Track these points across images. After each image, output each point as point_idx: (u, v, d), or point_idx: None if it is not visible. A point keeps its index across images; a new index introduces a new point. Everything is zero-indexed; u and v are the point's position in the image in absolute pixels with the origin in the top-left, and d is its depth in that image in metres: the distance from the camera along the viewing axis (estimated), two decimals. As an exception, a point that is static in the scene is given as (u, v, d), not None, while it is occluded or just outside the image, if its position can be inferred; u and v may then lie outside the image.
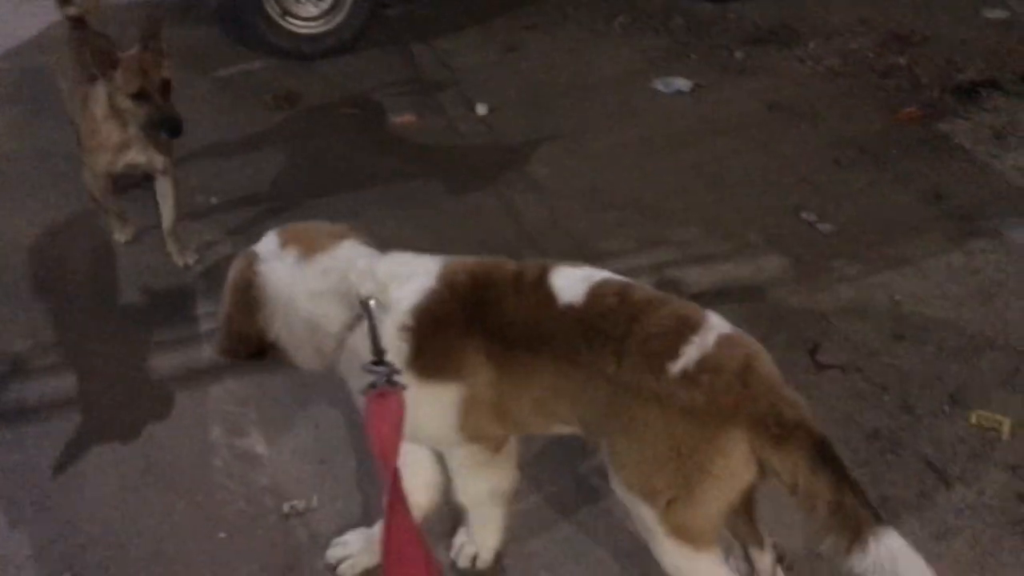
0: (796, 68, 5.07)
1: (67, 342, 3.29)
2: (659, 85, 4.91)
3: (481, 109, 4.73)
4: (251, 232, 3.74)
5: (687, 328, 1.91)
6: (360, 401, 1.99)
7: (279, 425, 2.90)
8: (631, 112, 4.70)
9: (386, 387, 1.91)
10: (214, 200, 4.03)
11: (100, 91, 3.27)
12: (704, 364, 1.86)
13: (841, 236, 3.72)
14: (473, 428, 2.09)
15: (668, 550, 1.97)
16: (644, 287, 2.07)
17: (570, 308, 1.98)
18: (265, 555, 2.51)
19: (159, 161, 3.43)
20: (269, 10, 5.14)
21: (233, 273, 2.14)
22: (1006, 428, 2.81)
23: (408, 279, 2.04)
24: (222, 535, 2.56)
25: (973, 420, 2.84)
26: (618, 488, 2.00)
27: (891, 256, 3.57)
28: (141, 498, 2.68)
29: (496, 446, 2.16)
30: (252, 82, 5.06)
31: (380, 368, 1.93)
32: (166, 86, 3.21)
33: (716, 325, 1.94)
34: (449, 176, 4.19)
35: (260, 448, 2.83)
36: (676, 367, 1.86)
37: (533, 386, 2.03)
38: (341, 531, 2.51)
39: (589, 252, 3.64)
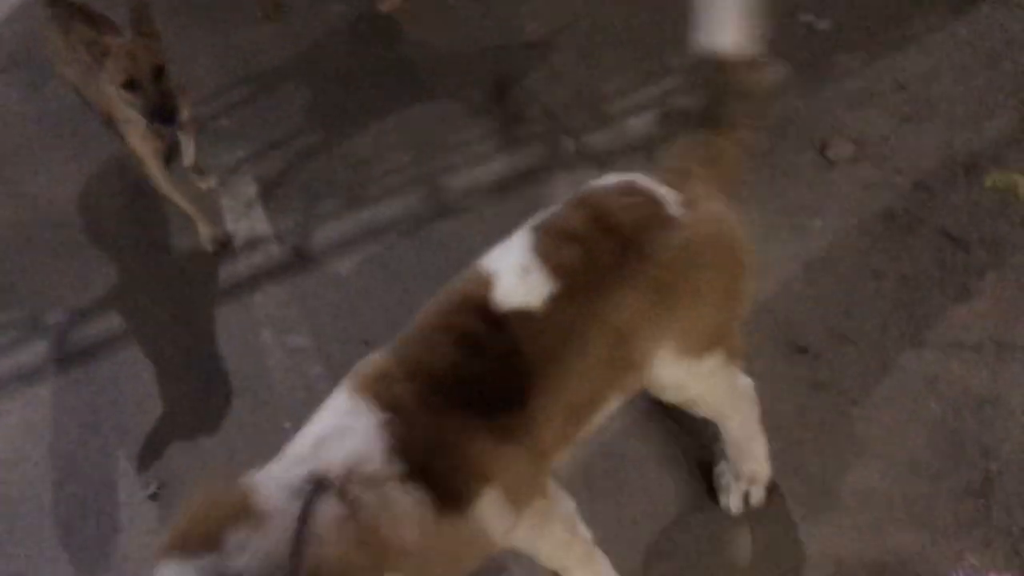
0: None
1: (117, 282, 3.48)
2: (638, -85, 4.76)
3: (466, -23, 4.67)
4: (267, 154, 3.87)
5: (653, 199, 1.79)
6: None
7: (321, 317, 3.06)
8: (615, -51, 4.59)
9: None
10: (224, 122, 4.12)
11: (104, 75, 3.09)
12: (687, 205, 1.79)
13: (840, 30, 3.64)
14: (520, 497, 1.73)
15: (732, 374, 1.99)
16: (570, 207, 1.81)
17: (553, 296, 1.68)
18: (330, 435, 2.70)
19: (185, 115, 3.29)
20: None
21: None
22: (1022, 186, 2.81)
23: (361, 452, 1.59)
24: (287, 425, 2.75)
25: (988, 184, 2.84)
26: (674, 371, 1.86)
27: (893, 40, 3.50)
28: (210, 406, 2.89)
29: (543, 488, 1.83)
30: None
31: None
32: (159, 71, 2.99)
33: (648, 181, 1.85)
34: (446, 54, 4.19)
35: (308, 341, 3.00)
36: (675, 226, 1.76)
37: (566, 400, 1.72)
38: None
39: (592, 97, 3.67)
